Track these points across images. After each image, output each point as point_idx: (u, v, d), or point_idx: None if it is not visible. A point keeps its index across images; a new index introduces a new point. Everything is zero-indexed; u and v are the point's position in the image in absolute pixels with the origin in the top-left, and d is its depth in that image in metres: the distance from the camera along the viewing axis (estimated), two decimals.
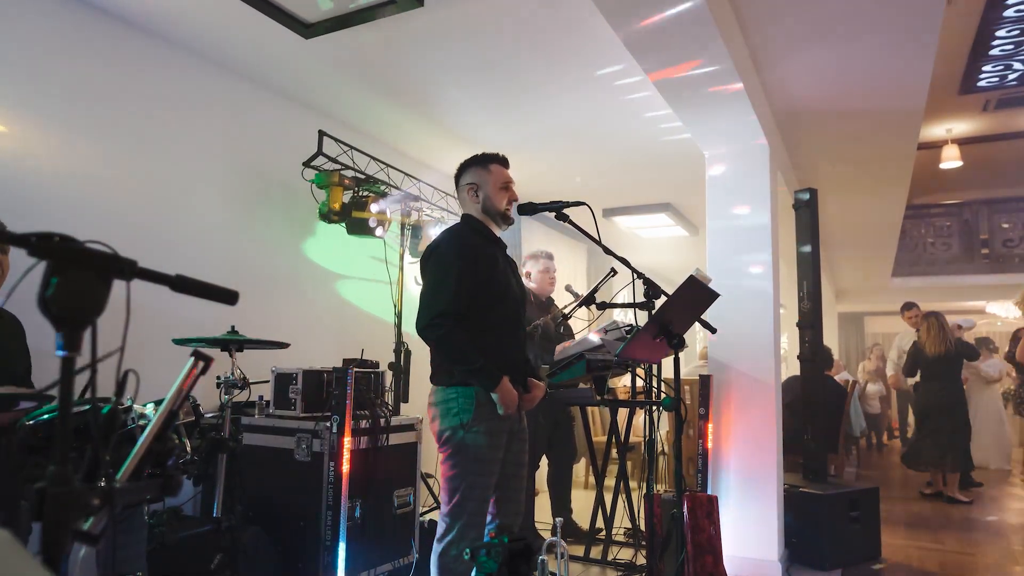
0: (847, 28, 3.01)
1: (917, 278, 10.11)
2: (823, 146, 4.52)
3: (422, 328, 2.15)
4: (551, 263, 4.18)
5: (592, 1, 2.50)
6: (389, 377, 3.48)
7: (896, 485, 6.66)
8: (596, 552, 3.75)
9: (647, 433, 3.07)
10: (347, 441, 2.86)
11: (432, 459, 2.79)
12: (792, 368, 4.73)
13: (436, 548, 2.13)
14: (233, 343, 2.49)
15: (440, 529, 2.15)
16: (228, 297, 0.96)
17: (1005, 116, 6.72)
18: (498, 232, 2.38)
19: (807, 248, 4.20)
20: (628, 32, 2.71)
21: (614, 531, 3.84)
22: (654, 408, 3.25)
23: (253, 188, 3.74)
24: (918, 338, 5.93)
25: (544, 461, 4.21)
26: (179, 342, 2.50)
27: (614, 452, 4.01)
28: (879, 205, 6.06)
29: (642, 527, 3.51)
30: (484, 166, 2.35)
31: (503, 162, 2.39)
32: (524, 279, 4.13)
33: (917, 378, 6.02)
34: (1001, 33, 4.99)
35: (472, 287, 2.17)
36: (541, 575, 2.25)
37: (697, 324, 2.51)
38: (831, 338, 11.98)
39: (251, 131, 3.74)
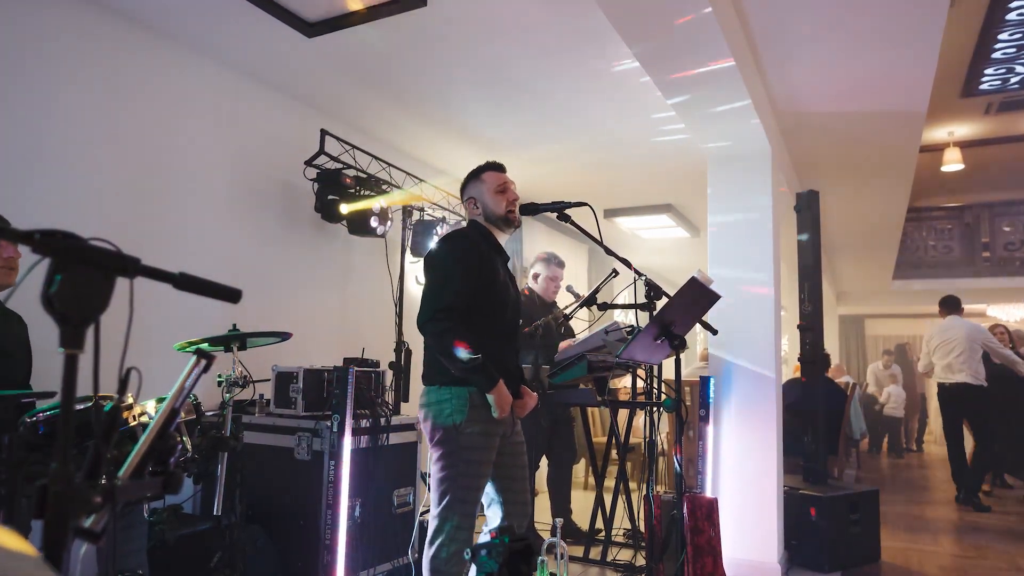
0: (850, 30, 3.00)
1: (918, 281, 10.09)
2: (825, 148, 4.51)
3: (423, 323, 2.14)
4: (560, 272, 4.18)
5: (596, 3, 2.51)
6: (389, 376, 3.48)
7: (896, 487, 6.65)
8: (595, 553, 3.75)
9: (647, 434, 3.06)
10: (347, 440, 2.86)
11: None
12: (791, 370, 4.72)
13: (427, 551, 2.12)
14: (234, 340, 2.48)
15: (431, 531, 2.14)
16: (231, 295, 0.96)
17: (1007, 119, 6.72)
18: (503, 240, 2.38)
19: (808, 250, 4.20)
20: (632, 34, 2.72)
21: (614, 532, 3.84)
22: (654, 409, 3.25)
23: (255, 187, 3.74)
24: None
25: (544, 461, 4.21)
26: (180, 348, 2.49)
27: (614, 453, 4.01)
28: (880, 207, 6.06)
29: (642, 528, 3.51)
30: (477, 177, 2.37)
31: (496, 168, 2.39)
32: (532, 280, 4.14)
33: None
34: (1004, 36, 4.98)
35: (474, 289, 2.17)
36: None
37: (698, 325, 2.51)
38: (832, 340, 11.97)
39: (253, 130, 3.73)
